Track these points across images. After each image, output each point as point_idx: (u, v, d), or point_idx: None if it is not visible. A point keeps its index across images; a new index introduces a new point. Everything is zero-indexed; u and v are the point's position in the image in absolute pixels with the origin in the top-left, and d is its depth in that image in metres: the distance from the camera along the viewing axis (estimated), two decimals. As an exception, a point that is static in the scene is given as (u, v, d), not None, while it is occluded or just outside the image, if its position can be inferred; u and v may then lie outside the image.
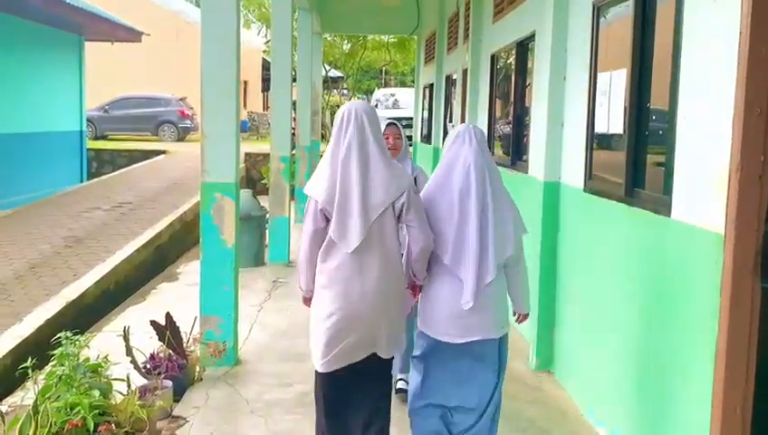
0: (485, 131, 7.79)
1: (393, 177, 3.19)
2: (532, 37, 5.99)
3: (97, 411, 3.57)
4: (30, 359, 3.76)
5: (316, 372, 3.30)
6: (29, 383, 3.81)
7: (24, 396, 4.38)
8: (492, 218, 3.23)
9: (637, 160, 3.79)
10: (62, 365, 3.69)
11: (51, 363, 3.85)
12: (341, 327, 3.16)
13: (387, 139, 4.18)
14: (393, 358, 3.43)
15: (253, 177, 16.99)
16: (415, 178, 4.35)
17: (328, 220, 3.17)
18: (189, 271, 8.50)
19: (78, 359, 3.75)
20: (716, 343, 2.81)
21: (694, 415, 2.98)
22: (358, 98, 36.01)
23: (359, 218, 3.10)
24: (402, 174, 3.26)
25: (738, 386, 2.77)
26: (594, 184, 4.37)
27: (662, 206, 3.36)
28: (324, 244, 3.18)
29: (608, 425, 4.01)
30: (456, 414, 3.39)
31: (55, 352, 3.76)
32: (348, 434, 3.38)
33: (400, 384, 4.41)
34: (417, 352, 3.43)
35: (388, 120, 4.40)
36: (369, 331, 3.20)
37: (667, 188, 3.32)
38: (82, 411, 3.48)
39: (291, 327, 6.05)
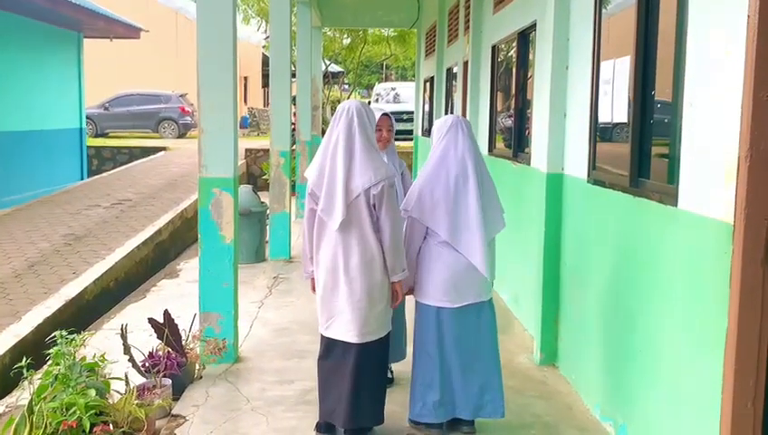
0: (487, 123, 7.75)
1: (371, 167, 3.55)
2: (533, 27, 5.90)
3: (93, 411, 3.52)
4: (25, 358, 3.71)
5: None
6: (25, 383, 3.75)
7: (21, 396, 4.33)
8: (485, 200, 3.71)
9: (642, 150, 3.71)
10: (59, 365, 3.64)
11: (48, 363, 3.80)
12: (329, 299, 3.64)
13: (380, 130, 4.25)
14: (375, 346, 3.66)
15: (253, 172, 16.95)
16: (402, 174, 4.40)
17: (317, 203, 3.61)
18: (190, 268, 8.44)
19: (74, 358, 3.70)
20: (726, 335, 2.74)
21: (704, 410, 2.91)
22: (359, 93, 35.98)
23: (341, 200, 3.52)
24: (381, 166, 3.60)
25: (749, 380, 2.70)
26: (598, 175, 4.29)
27: (668, 196, 3.28)
28: (316, 226, 3.63)
29: (614, 420, 3.95)
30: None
31: (51, 350, 3.71)
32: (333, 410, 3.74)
33: None
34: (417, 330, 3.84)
35: (383, 112, 4.36)
36: (348, 306, 3.58)
37: (673, 178, 3.24)
38: (78, 412, 3.42)
39: (292, 324, 5.99)
